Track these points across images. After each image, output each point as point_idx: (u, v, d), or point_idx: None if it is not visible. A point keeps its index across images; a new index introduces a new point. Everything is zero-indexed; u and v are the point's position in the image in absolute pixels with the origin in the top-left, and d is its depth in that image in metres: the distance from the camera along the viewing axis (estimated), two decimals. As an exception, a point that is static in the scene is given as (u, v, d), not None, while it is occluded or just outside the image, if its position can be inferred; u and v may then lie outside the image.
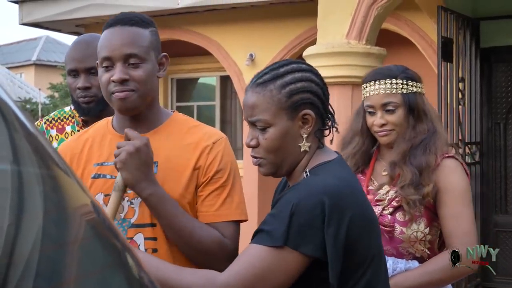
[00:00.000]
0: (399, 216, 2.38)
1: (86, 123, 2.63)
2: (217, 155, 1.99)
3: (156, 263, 1.74)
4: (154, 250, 1.95)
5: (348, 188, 1.70)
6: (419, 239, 2.37)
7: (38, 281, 0.74)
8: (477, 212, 5.95)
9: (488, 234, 6.20)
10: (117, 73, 1.93)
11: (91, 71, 2.51)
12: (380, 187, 2.46)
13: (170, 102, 9.23)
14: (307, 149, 1.76)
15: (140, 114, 2.01)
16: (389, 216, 2.38)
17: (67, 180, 0.89)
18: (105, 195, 1.97)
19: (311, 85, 1.76)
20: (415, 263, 2.37)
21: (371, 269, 1.70)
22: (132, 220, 1.96)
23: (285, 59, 1.92)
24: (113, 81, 1.93)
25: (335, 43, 4.93)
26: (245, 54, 7.90)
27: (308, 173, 1.75)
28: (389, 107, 2.44)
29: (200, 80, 9.62)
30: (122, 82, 1.93)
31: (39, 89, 28.44)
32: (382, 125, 2.45)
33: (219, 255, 1.92)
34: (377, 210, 2.37)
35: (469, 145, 5.86)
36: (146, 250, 1.95)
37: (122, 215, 1.97)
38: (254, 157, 1.80)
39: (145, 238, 1.95)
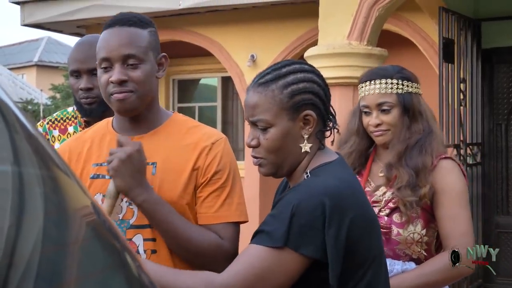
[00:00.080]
0: (395, 217, 2.37)
1: (88, 124, 2.63)
2: (216, 156, 1.98)
3: (153, 268, 1.74)
4: (153, 251, 1.94)
5: (349, 189, 1.70)
6: (416, 240, 2.36)
7: (38, 283, 0.74)
8: (479, 213, 5.95)
9: (490, 235, 6.19)
10: (116, 74, 1.92)
11: (94, 72, 2.52)
12: (377, 188, 2.45)
13: (171, 103, 9.23)
14: (308, 150, 1.76)
15: (140, 115, 2.00)
16: (386, 218, 2.37)
17: (67, 181, 0.89)
18: (104, 196, 1.96)
19: (313, 86, 1.76)
20: (411, 265, 2.36)
21: (372, 270, 1.70)
22: (131, 221, 1.95)
23: (287, 60, 1.92)
24: (112, 82, 1.92)
25: (336, 44, 4.93)
26: (246, 55, 7.90)
27: (308, 174, 1.74)
28: (384, 107, 2.43)
29: (202, 81, 9.63)
30: (121, 83, 1.92)
31: (41, 90, 28.44)
32: (377, 125, 2.44)
33: (217, 258, 1.90)
34: None
35: (470, 146, 5.86)
36: (145, 251, 1.94)
37: (121, 216, 1.96)
38: (254, 157, 1.79)
39: (144, 239, 1.94)
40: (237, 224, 2.00)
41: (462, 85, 5.69)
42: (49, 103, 27.53)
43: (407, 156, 2.38)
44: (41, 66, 34.77)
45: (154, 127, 2.02)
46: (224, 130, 8.88)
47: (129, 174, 1.83)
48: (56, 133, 2.80)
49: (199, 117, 9.09)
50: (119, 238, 0.91)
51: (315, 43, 5.34)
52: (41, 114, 25.37)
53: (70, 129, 2.79)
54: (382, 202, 2.41)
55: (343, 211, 1.63)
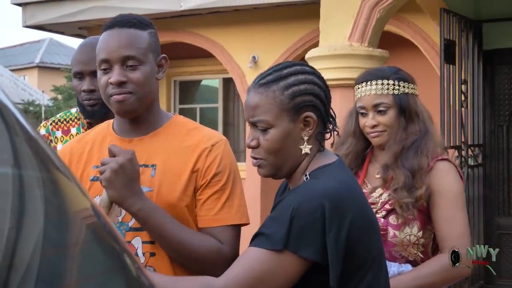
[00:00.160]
0: (392, 219, 2.36)
1: (91, 125, 2.64)
2: (215, 158, 1.96)
3: (151, 277, 1.73)
4: (152, 254, 1.92)
5: (348, 191, 1.69)
6: (412, 242, 2.34)
7: (39, 285, 0.74)
8: (480, 214, 5.95)
9: (491, 237, 6.19)
10: (115, 75, 1.91)
11: (97, 74, 2.52)
12: (373, 190, 2.43)
13: (173, 104, 9.23)
14: (308, 151, 1.75)
15: (140, 117, 1.99)
16: (382, 219, 2.35)
17: (67, 183, 0.89)
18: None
19: (314, 88, 1.75)
20: (408, 267, 2.34)
21: (372, 271, 1.69)
22: (130, 224, 1.93)
23: (288, 61, 1.91)
24: (111, 84, 1.91)
25: (337, 46, 4.93)
26: (248, 56, 7.90)
27: (308, 176, 1.74)
28: (381, 108, 2.42)
29: (203, 82, 9.63)
30: (120, 84, 1.91)
31: (43, 92, 28.44)
32: (374, 126, 2.43)
33: (217, 263, 1.88)
34: None
35: (471, 148, 5.86)
36: (144, 253, 1.92)
37: (120, 218, 1.95)
38: (254, 158, 1.78)
39: (143, 242, 1.92)
40: (237, 227, 1.98)
41: (463, 87, 5.69)
42: (50, 104, 27.53)
43: (403, 157, 2.37)
44: (43, 68, 34.78)
45: (154, 129, 2.01)
46: (225, 132, 8.88)
47: (122, 184, 1.81)
48: (59, 134, 2.81)
49: (200, 118, 9.09)
50: (118, 240, 0.91)
51: (316, 45, 5.34)
52: (43, 116, 25.38)
53: (73, 131, 2.79)
54: (379, 204, 2.39)
55: (342, 213, 1.63)
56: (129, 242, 1.93)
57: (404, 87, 2.44)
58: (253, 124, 1.76)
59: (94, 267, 0.84)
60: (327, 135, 1.81)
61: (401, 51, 6.98)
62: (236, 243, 1.96)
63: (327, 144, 1.84)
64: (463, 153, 5.58)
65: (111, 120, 2.11)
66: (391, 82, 2.43)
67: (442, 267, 2.29)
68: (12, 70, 33.13)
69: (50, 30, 9.37)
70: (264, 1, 7.37)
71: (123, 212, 1.94)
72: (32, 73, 35.14)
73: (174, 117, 2.07)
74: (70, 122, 2.83)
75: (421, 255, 2.36)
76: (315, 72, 1.80)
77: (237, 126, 9.01)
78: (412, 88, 2.47)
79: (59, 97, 27.35)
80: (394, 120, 2.42)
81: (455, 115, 5.46)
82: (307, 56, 5.10)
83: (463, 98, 5.68)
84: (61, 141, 2.79)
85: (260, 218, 7.20)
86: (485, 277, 5.98)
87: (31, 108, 26.70)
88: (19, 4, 8.86)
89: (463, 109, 5.68)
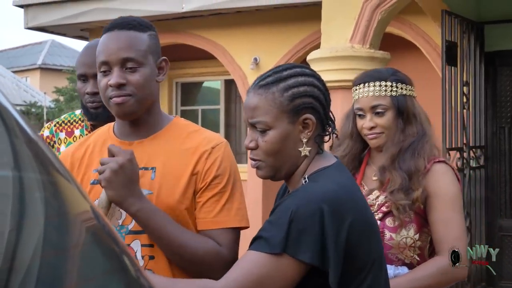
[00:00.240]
0: (388, 221, 2.35)
1: (94, 128, 2.65)
2: (215, 160, 1.95)
3: (150, 278, 1.72)
4: (151, 257, 1.92)
5: (348, 194, 1.69)
6: (409, 245, 2.33)
7: (39, 287, 0.74)
8: (482, 216, 5.94)
9: (493, 238, 6.18)
10: (114, 77, 1.90)
11: None
12: (370, 192, 2.42)
13: (174, 106, 9.23)
14: (307, 153, 1.75)
15: (140, 119, 1.98)
16: (379, 222, 2.34)
17: (67, 186, 0.89)
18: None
19: (314, 90, 1.75)
20: (404, 269, 2.33)
21: (372, 274, 1.69)
22: (130, 227, 1.93)
23: (288, 63, 1.91)
24: (110, 86, 1.91)
25: (339, 47, 4.93)
26: (249, 58, 7.91)
27: (307, 179, 1.73)
28: (378, 110, 2.41)
29: (205, 84, 9.63)
30: (119, 86, 1.90)
31: (45, 93, 28.48)
32: (371, 128, 2.42)
33: (215, 265, 1.87)
34: None
35: (473, 149, 5.85)
36: (143, 257, 1.91)
37: (120, 222, 1.95)
38: (253, 159, 1.78)
39: (142, 245, 1.92)
40: (236, 230, 1.97)
41: (465, 88, 5.68)
42: (52, 106, 27.57)
43: (400, 159, 2.36)
44: (45, 69, 34.83)
45: (155, 132, 2.00)
46: (227, 133, 8.89)
47: (121, 185, 1.80)
48: (62, 135, 2.81)
49: (202, 120, 9.10)
50: (118, 242, 0.91)
51: (318, 46, 5.34)
52: (45, 117, 25.41)
53: (77, 132, 2.80)
54: (375, 206, 2.38)
55: (341, 216, 1.62)
56: (129, 245, 1.93)
57: (402, 88, 2.44)
58: (252, 125, 1.76)
59: (94, 269, 0.84)
60: (326, 138, 1.81)
61: (402, 53, 6.98)
62: (235, 246, 1.95)
63: (326, 146, 1.83)
64: (465, 154, 5.57)
65: (112, 123, 2.11)
66: (388, 83, 2.43)
67: (438, 269, 2.28)
68: (14, 72, 33.19)
69: (52, 32, 9.38)
70: (266, 3, 7.38)
71: (123, 215, 1.94)
72: (34, 75, 35.19)
73: (175, 120, 2.06)
74: (74, 123, 2.83)
75: (418, 258, 2.35)
76: (315, 75, 1.80)
77: (238, 128, 9.01)
78: (409, 90, 2.46)
79: (61, 98, 27.38)
80: (392, 122, 2.41)
81: (457, 117, 5.45)
82: (308, 57, 5.10)
83: (465, 100, 5.68)
84: (65, 143, 2.80)
85: (262, 219, 7.20)
86: (487, 279, 5.97)
87: (33, 110, 26.74)
88: (21, 6, 8.87)
89: (465, 110, 5.67)
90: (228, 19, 7.92)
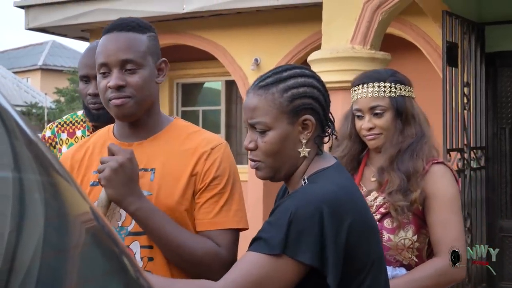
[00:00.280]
0: (386, 223, 2.34)
1: (96, 129, 2.65)
2: (215, 161, 1.95)
3: (148, 278, 1.72)
4: (150, 259, 1.91)
5: (347, 195, 1.69)
6: (407, 246, 2.32)
7: (39, 288, 0.74)
8: (483, 217, 5.94)
9: (494, 239, 6.18)
10: (113, 79, 1.90)
11: None
12: (369, 193, 2.42)
13: (175, 106, 9.24)
14: (306, 154, 1.75)
15: (139, 120, 1.98)
16: (377, 223, 2.34)
17: (67, 187, 0.89)
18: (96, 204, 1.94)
19: (313, 91, 1.75)
20: (402, 270, 2.33)
21: (372, 275, 1.69)
22: (129, 228, 1.93)
23: (288, 64, 1.91)
24: (110, 88, 1.90)
25: (339, 48, 4.93)
26: (250, 59, 7.91)
27: (306, 180, 1.73)
28: (377, 111, 2.41)
29: (206, 85, 9.64)
30: (118, 88, 1.90)
31: (45, 94, 28.50)
32: (370, 129, 2.42)
33: (213, 266, 1.87)
34: None
35: (474, 150, 5.85)
36: (142, 258, 1.91)
37: (120, 223, 1.94)
38: (252, 160, 1.78)
39: (141, 246, 1.92)
40: (235, 231, 1.97)
41: (465, 89, 5.68)
42: (53, 106, 27.60)
43: (399, 160, 2.36)
44: (46, 70, 34.85)
45: (154, 133, 2.00)
46: (227, 134, 8.89)
47: (121, 183, 1.81)
48: (64, 136, 2.82)
49: (202, 121, 9.10)
50: (118, 243, 0.91)
51: (318, 47, 5.34)
52: (45, 118, 25.43)
53: (78, 133, 2.80)
54: (373, 207, 2.37)
55: (341, 217, 1.62)
56: (128, 246, 1.92)
57: (400, 89, 2.43)
58: (252, 126, 1.76)
59: (94, 270, 0.84)
60: (326, 139, 1.80)
61: (403, 54, 6.98)
62: (233, 247, 1.95)
63: (325, 147, 1.83)
64: (466, 155, 5.57)
65: (112, 125, 2.11)
66: (387, 84, 2.42)
67: (436, 270, 2.28)
68: (15, 73, 33.22)
69: (52, 33, 9.39)
70: (266, 4, 7.38)
71: (123, 216, 1.94)
72: (35, 75, 35.22)
73: (175, 121, 2.06)
74: (76, 124, 2.84)
75: (416, 259, 2.34)
76: (314, 76, 1.80)
77: (239, 128, 9.01)
78: (408, 91, 2.45)
79: (62, 99, 27.41)
80: (391, 123, 2.41)
81: (457, 118, 5.45)
82: (309, 58, 5.10)
83: (465, 100, 5.68)
84: (66, 143, 2.80)
85: (262, 220, 7.18)
86: (488, 280, 5.97)
87: (34, 110, 26.76)
88: (22, 7, 8.88)
89: (465, 111, 5.67)
90: (229, 20, 7.93)
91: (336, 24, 5.03)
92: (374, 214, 2.34)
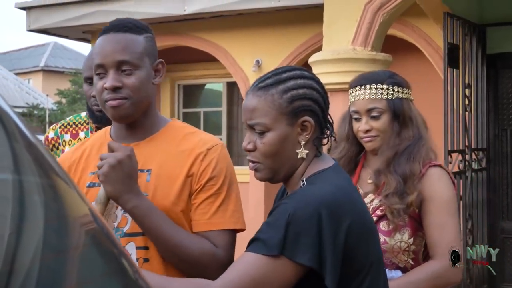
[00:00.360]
0: (382, 225, 2.33)
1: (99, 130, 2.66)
2: (211, 162, 1.94)
3: (145, 276, 1.72)
4: (146, 260, 1.91)
5: (345, 196, 1.69)
6: (403, 249, 2.32)
7: (38, 290, 0.75)
8: (484, 218, 5.94)
9: (495, 240, 6.18)
10: (109, 80, 1.90)
11: None
12: (365, 195, 2.41)
13: (176, 108, 9.24)
14: (305, 156, 1.75)
15: (136, 122, 1.98)
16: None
17: (66, 189, 0.89)
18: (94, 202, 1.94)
19: (313, 93, 1.75)
20: (398, 273, 2.32)
21: (370, 276, 1.69)
22: (125, 229, 1.93)
23: (287, 65, 1.92)
24: (106, 89, 1.90)
25: (340, 50, 4.93)
26: (251, 60, 7.91)
27: (304, 182, 1.73)
28: (374, 113, 2.40)
29: (207, 86, 9.64)
30: (115, 89, 1.90)
31: (47, 95, 28.52)
32: (367, 131, 2.41)
33: (210, 267, 1.86)
34: None
35: (475, 152, 5.85)
36: (137, 259, 1.91)
37: (115, 224, 1.94)
38: (251, 161, 1.78)
39: (137, 247, 1.91)
40: (232, 232, 1.96)
41: (467, 91, 5.68)
42: (55, 108, 27.62)
43: (396, 163, 2.35)
44: (47, 71, 34.88)
45: (151, 134, 2.00)
46: (229, 136, 8.89)
47: (119, 180, 1.81)
48: (67, 137, 2.83)
49: (204, 122, 9.10)
50: (116, 244, 0.91)
51: (319, 49, 5.34)
52: (47, 119, 25.45)
53: (81, 135, 2.81)
54: (370, 210, 2.35)
55: (339, 218, 1.62)
56: (123, 247, 1.92)
57: (398, 92, 2.42)
58: (251, 127, 1.76)
59: (93, 271, 0.84)
60: (324, 141, 1.80)
61: (404, 55, 6.98)
62: (230, 248, 1.95)
63: (324, 149, 1.83)
64: (467, 157, 5.57)
65: (109, 127, 2.11)
66: (385, 86, 2.41)
67: (433, 273, 2.27)
68: (17, 74, 33.24)
69: (54, 34, 9.40)
70: (268, 6, 7.38)
71: (119, 217, 1.94)
72: (36, 77, 35.24)
73: (171, 122, 2.06)
74: (79, 126, 2.85)
75: (412, 262, 2.34)
76: (314, 77, 1.80)
77: (241, 130, 9.01)
78: (406, 93, 2.44)
79: (63, 100, 27.43)
80: (388, 125, 2.40)
81: (459, 119, 5.45)
82: (310, 60, 5.10)
83: (467, 102, 5.68)
84: (69, 145, 2.81)
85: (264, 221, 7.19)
86: (489, 281, 5.96)
87: (35, 112, 26.79)
88: (23, 8, 8.89)
89: (467, 113, 5.67)
90: (230, 21, 7.93)
91: (337, 25, 5.03)
92: None
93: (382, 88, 2.41)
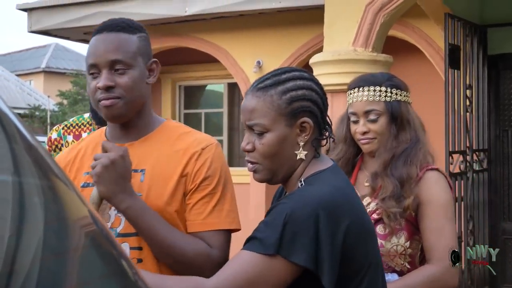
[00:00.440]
0: (379, 229, 2.32)
1: None
2: (205, 162, 1.93)
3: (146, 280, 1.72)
4: (139, 260, 1.90)
5: (343, 197, 1.69)
6: (399, 253, 2.31)
7: (38, 291, 0.75)
8: (485, 219, 5.94)
9: (496, 241, 6.17)
10: (102, 80, 1.89)
11: None
12: (362, 198, 2.37)
13: (178, 109, 9.24)
14: (303, 157, 1.75)
15: (130, 122, 1.97)
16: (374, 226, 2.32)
17: (66, 191, 0.90)
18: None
19: (312, 94, 1.75)
20: (394, 276, 2.31)
21: (368, 276, 1.69)
22: (118, 230, 1.92)
23: (287, 66, 1.92)
24: (99, 88, 1.90)
25: (341, 51, 4.93)
26: (252, 61, 7.91)
27: (303, 182, 1.73)
28: (372, 115, 2.40)
29: (208, 87, 9.64)
30: (108, 89, 1.89)
31: (48, 96, 28.54)
32: (364, 133, 2.40)
33: (205, 267, 1.85)
34: None
35: (476, 152, 5.85)
36: (131, 259, 1.91)
37: (109, 225, 1.93)
38: (249, 162, 1.78)
39: (131, 248, 1.91)
40: (227, 232, 1.95)
41: (468, 91, 5.68)
42: (56, 109, 27.64)
43: (393, 166, 2.34)
44: (49, 72, 34.91)
45: (145, 134, 1.99)
46: (230, 137, 8.89)
47: (112, 180, 1.80)
48: (70, 138, 2.83)
49: (205, 123, 9.10)
50: (116, 246, 0.92)
51: (320, 50, 5.35)
52: (48, 121, 25.47)
53: (84, 136, 2.81)
54: None
55: (338, 219, 1.63)
56: None
57: (396, 94, 2.41)
58: (250, 128, 1.76)
59: (93, 273, 0.84)
60: (323, 142, 1.80)
61: (405, 56, 6.98)
62: (226, 248, 1.94)
63: (323, 150, 1.84)
64: (468, 158, 5.57)
65: (105, 127, 2.10)
66: (383, 89, 2.41)
67: (429, 277, 2.26)
68: (18, 75, 33.26)
69: (55, 35, 9.40)
70: (269, 7, 7.38)
71: (112, 218, 1.93)
72: (38, 78, 35.27)
73: (166, 122, 2.05)
74: (82, 127, 2.85)
75: (408, 266, 2.33)
76: (313, 79, 1.80)
77: (242, 131, 9.01)
78: (404, 96, 2.44)
79: (65, 102, 27.46)
80: (385, 127, 2.39)
81: (460, 120, 5.45)
82: (311, 61, 5.10)
83: (468, 103, 5.68)
84: None
85: (265, 223, 7.18)
86: (490, 282, 5.96)
87: (36, 113, 26.80)
88: (25, 10, 8.90)
89: (468, 114, 5.67)
90: (231, 22, 7.93)
91: (338, 26, 5.03)
92: None
93: (380, 90, 2.40)
